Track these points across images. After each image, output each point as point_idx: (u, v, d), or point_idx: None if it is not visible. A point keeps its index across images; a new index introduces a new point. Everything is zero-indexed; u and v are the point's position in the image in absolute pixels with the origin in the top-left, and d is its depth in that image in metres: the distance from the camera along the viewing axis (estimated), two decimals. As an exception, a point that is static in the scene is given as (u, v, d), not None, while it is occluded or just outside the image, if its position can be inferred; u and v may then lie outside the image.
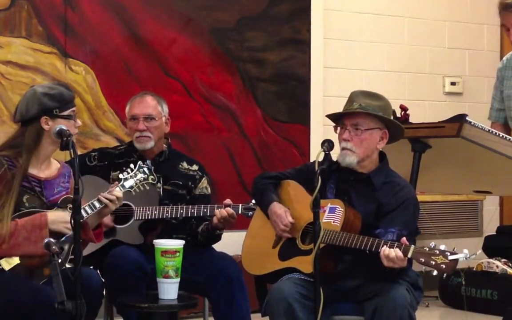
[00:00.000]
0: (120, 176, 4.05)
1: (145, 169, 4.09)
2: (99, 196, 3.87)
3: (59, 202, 3.82)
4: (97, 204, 3.86)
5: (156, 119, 4.54)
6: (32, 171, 3.80)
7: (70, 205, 3.75)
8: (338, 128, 3.88)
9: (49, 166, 3.90)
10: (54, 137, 3.77)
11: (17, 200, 3.72)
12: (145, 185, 4.11)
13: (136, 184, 4.06)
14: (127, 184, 4.03)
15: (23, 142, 3.79)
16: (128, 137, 4.99)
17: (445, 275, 3.50)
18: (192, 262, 4.29)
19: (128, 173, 4.06)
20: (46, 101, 3.77)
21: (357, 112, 3.80)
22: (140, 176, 4.07)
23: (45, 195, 3.82)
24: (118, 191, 3.94)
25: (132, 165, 4.11)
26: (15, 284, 3.60)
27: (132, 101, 4.63)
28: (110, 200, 3.88)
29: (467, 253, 3.41)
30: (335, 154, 3.86)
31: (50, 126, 3.78)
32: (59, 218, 3.73)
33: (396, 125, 3.89)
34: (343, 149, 3.83)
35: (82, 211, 3.70)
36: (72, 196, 3.81)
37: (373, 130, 3.83)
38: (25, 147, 3.78)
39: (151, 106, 4.57)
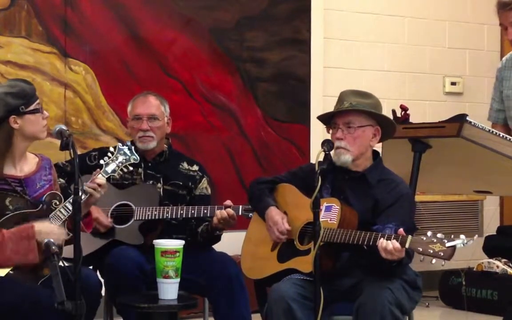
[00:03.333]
0: (101, 162, 4.01)
1: (125, 150, 4.05)
2: (83, 186, 3.79)
3: (43, 198, 3.76)
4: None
5: (159, 119, 4.54)
6: (10, 171, 3.75)
7: (56, 201, 3.73)
8: (331, 129, 3.90)
9: (26, 162, 3.84)
10: (26, 134, 3.73)
11: (0, 205, 3.67)
12: (128, 166, 4.06)
13: (118, 166, 4.01)
14: (109, 168, 3.98)
15: None
16: (128, 137, 4.98)
17: (443, 262, 3.49)
18: (192, 263, 4.28)
19: (109, 158, 4.02)
20: (10, 101, 3.71)
21: (349, 110, 3.81)
22: (121, 158, 4.02)
23: (28, 193, 3.77)
24: (100, 178, 3.90)
25: (112, 149, 4.09)
26: (12, 286, 3.56)
27: (134, 100, 4.62)
28: (94, 189, 3.84)
29: (464, 239, 3.41)
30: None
31: (19, 124, 3.73)
32: (46, 229, 3.64)
33: (388, 121, 3.91)
34: (337, 148, 3.83)
35: (68, 204, 3.70)
36: (55, 192, 3.81)
37: (365, 127, 3.84)
38: None
39: (154, 106, 4.56)
